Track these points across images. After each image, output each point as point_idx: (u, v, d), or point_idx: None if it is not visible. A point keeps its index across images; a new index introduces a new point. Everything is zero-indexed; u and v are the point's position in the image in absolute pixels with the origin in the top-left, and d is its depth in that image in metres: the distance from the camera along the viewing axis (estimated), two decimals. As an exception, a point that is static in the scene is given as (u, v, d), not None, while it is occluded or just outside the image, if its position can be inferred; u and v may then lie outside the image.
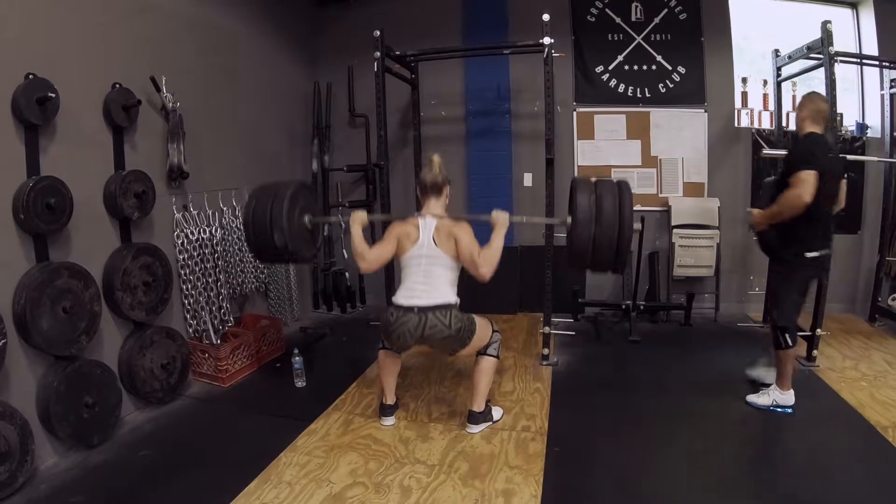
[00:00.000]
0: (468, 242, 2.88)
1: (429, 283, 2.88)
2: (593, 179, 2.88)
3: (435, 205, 3.04)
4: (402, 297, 2.90)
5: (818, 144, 3.03)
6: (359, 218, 3.05)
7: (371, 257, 2.97)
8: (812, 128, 3.09)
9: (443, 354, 3.03)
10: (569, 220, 2.85)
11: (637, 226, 2.81)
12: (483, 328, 3.00)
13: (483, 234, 2.96)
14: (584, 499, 2.48)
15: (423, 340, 2.87)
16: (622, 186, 2.81)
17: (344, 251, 5.40)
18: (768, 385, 3.33)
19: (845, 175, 3.33)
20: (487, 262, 2.82)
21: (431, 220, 2.97)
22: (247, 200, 3.14)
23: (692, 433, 3.04)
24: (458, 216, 3.08)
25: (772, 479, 2.56)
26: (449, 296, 2.89)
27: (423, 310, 2.82)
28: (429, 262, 2.91)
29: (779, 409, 3.23)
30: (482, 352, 3.04)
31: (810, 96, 3.19)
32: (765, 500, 2.41)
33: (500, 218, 2.94)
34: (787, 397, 3.23)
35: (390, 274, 3.98)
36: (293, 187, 3.08)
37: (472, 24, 5.21)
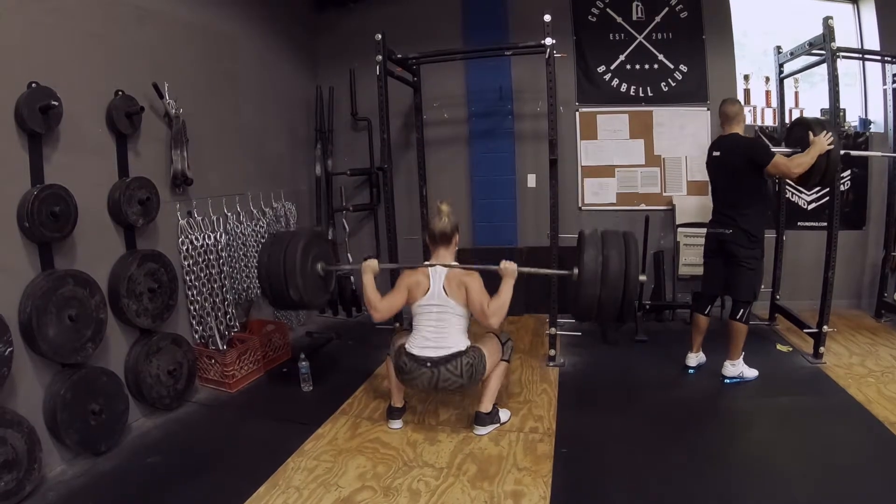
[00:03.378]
0: (478, 292, 2.93)
1: (440, 331, 2.94)
2: (600, 232, 2.97)
3: (444, 254, 3.07)
4: (416, 347, 2.95)
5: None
6: (370, 267, 3.09)
7: (383, 307, 3.03)
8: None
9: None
10: (575, 271, 2.91)
11: (642, 278, 2.88)
12: (493, 353, 3.04)
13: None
14: (594, 499, 2.47)
15: (438, 391, 2.96)
16: (628, 239, 2.89)
17: (348, 255, 5.41)
18: (746, 377, 3.62)
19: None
20: (496, 313, 2.87)
21: (442, 269, 2.99)
22: (259, 252, 3.24)
23: (700, 432, 3.03)
24: (468, 266, 3.08)
25: (780, 476, 2.55)
26: (460, 343, 2.94)
27: (436, 363, 2.88)
28: (440, 311, 2.95)
29: (745, 379, 3.62)
30: None
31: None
32: (774, 499, 2.40)
33: (509, 268, 2.96)
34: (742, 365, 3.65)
35: (395, 275, 3.97)
36: (304, 239, 3.19)
37: (473, 26, 5.20)
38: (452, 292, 2.95)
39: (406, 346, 3.00)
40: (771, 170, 3.40)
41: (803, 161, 3.39)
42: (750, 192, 3.49)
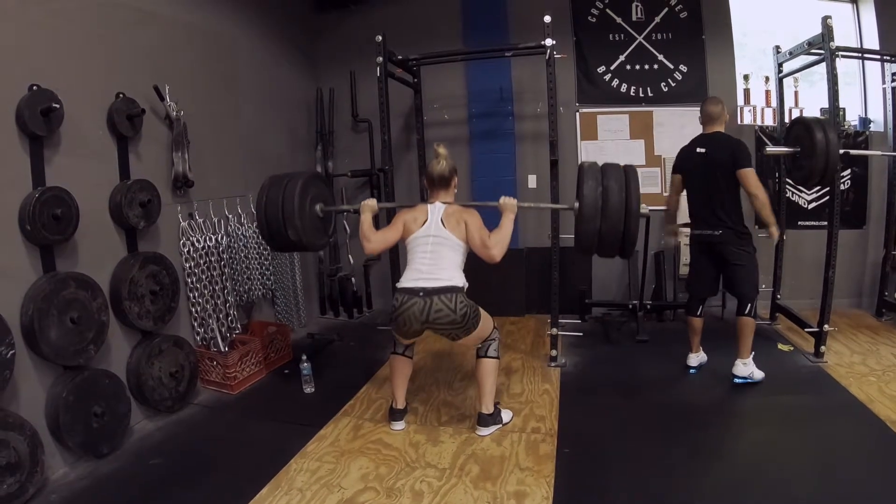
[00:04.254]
0: (478, 228, 2.91)
1: (435, 263, 2.86)
2: (600, 164, 2.91)
3: (444, 197, 3.05)
4: (408, 280, 2.88)
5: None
6: (369, 206, 3.10)
7: (376, 238, 3.01)
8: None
9: (446, 340, 3.03)
10: (576, 205, 2.86)
11: (644, 210, 2.82)
12: (486, 319, 2.98)
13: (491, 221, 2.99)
14: (596, 499, 2.47)
15: (429, 325, 2.82)
16: (628, 172, 2.83)
17: (350, 256, 5.41)
18: (755, 378, 3.56)
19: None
20: (498, 244, 2.84)
21: (441, 205, 2.99)
22: (258, 192, 3.17)
23: (702, 431, 3.03)
24: (467, 203, 3.07)
25: (781, 475, 2.55)
26: (456, 279, 2.85)
27: (429, 293, 2.78)
28: (436, 243, 2.90)
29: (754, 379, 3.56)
30: (482, 354, 3.03)
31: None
32: (775, 499, 2.39)
33: (509, 203, 2.96)
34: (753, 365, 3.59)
35: (397, 277, 3.97)
36: (303, 178, 3.12)
37: (473, 27, 5.21)
38: (451, 226, 2.91)
39: (398, 283, 2.94)
40: (742, 174, 3.36)
41: (763, 201, 3.39)
42: (733, 190, 3.47)
